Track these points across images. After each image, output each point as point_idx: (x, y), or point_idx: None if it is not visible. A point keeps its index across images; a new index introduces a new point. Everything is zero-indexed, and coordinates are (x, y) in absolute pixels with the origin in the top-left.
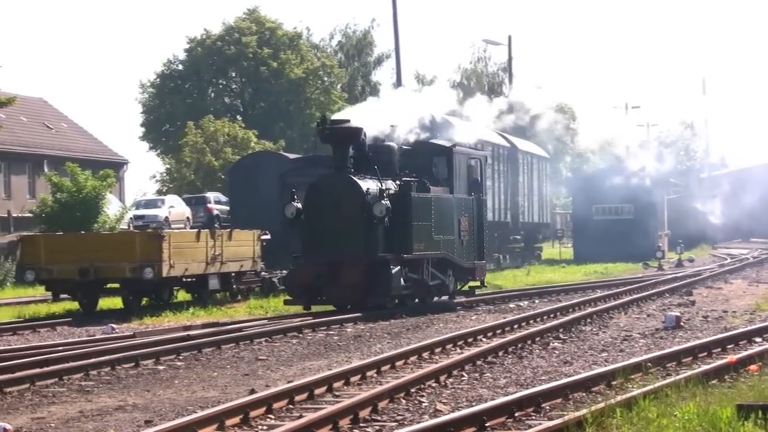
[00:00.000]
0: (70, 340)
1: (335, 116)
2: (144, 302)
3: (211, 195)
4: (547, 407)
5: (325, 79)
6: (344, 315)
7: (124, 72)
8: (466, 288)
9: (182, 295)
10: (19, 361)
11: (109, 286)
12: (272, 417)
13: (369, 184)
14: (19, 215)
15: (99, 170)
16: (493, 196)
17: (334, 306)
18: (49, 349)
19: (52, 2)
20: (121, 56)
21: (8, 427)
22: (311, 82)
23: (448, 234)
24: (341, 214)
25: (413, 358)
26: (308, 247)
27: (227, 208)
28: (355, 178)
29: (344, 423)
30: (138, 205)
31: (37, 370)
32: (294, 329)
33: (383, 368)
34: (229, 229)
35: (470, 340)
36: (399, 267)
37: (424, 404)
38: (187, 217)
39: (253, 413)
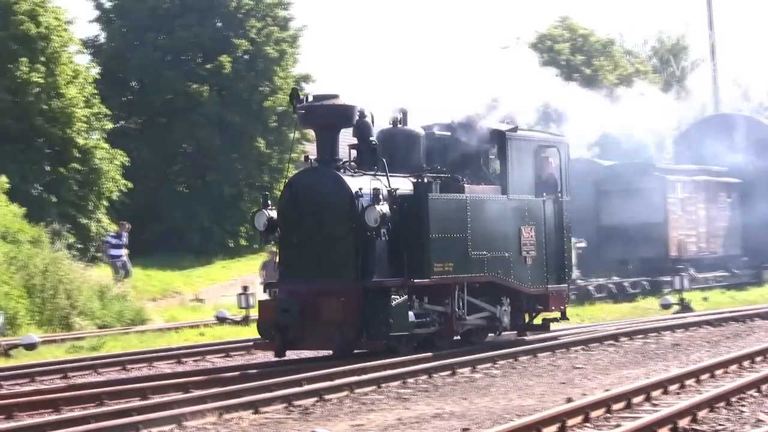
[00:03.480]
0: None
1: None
2: None
3: None
4: None
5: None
6: (661, 323)
7: None
8: (538, 321)
9: None
10: (338, 369)
11: None
12: (589, 426)
13: (362, 183)
14: None
15: None
16: None
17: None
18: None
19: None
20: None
21: None
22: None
23: (498, 250)
24: (323, 224)
25: (733, 367)
26: (284, 271)
27: None
28: (341, 175)
29: None
30: None
31: (356, 378)
32: (610, 337)
33: (702, 377)
34: None
35: None
36: (406, 297)
37: (745, 414)
38: None
39: (569, 422)
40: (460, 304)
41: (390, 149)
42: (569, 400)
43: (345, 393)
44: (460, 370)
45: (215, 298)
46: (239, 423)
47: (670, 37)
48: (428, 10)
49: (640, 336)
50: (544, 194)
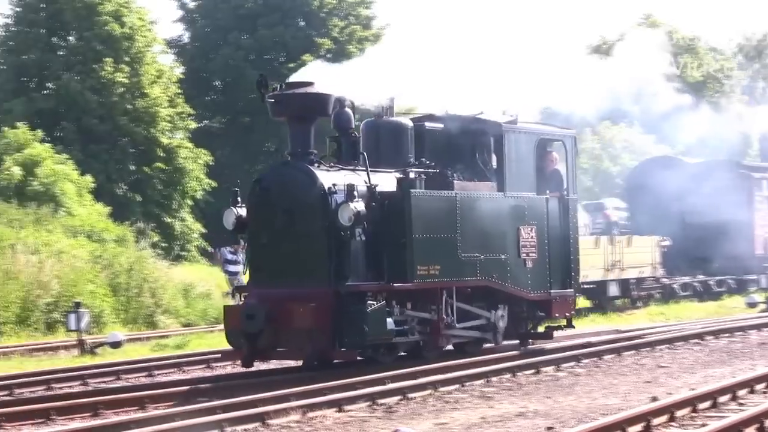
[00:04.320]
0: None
1: (294, 77)
2: None
3: (609, 201)
4: None
5: (724, 82)
6: (747, 321)
7: None
8: (542, 328)
9: (582, 302)
10: (421, 367)
11: None
12: (675, 425)
13: (336, 178)
14: None
15: None
16: None
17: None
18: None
19: None
20: None
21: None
22: (709, 86)
23: (492, 252)
24: (294, 223)
25: None
26: (253, 274)
27: (626, 214)
28: (313, 169)
29: None
30: None
31: (440, 377)
32: (695, 336)
33: None
34: (627, 236)
35: None
36: (383, 302)
37: None
38: (585, 224)
39: (655, 421)
40: (449, 310)
41: (375, 142)
42: (654, 399)
43: (428, 391)
44: (544, 369)
45: None
46: (323, 421)
47: (755, 33)
48: (509, 9)
49: (726, 335)
50: (548, 192)
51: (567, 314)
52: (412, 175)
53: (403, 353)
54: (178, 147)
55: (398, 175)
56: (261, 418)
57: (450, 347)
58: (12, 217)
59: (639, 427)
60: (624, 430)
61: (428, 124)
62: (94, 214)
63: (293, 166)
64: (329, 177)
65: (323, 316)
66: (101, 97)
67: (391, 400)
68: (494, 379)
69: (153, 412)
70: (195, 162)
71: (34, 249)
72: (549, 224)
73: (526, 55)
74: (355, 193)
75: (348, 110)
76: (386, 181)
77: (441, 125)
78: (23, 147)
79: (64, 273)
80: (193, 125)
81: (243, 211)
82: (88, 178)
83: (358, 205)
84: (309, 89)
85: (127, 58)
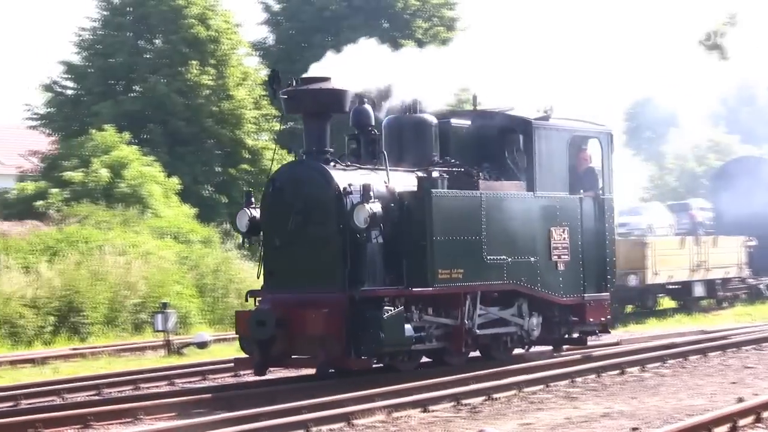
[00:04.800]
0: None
1: (313, 71)
2: (628, 309)
3: (694, 201)
4: None
5: None
6: None
7: None
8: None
9: (666, 303)
10: (506, 368)
11: None
12: (761, 426)
13: (352, 178)
14: None
15: None
16: None
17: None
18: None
19: None
20: None
21: None
22: None
23: (521, 254)
24: (308, 224)
25: None
26: (266, 278)
27: (711, 214)
28: (328, 169)
29: None
30: (621, 212)
31: (525, 377)
32: None
33: None
34: (713, 236)
35: None
36: (401, 308)
37: None
38: (670, 224)
39: (741, 422)
40: (471, 314)
41: (397, 140)
42: (740, 400)
43: (513, 392)
44: (629, 369)
45: None
46: (408, 421)
47: None
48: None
49: None
50: (582, 191)
51: (602, 319)
52: (434, 174)
53: (428, 359)
54: (263, 149)
55: (420, 174)
56: (346, 418)
57: (476, 353)
58: (100, 219)
59: (725, 428)
60: (710, 431)
61: (454, 121)
62: (180, 215)
63: (307, 165)
64: (345, 176)
65: (336, 323)
66: (187, 100)
67: (476, 401)
68: (579, 379)
69: (239, 411)
70: (280, 163)
71: (122, 250)
72: (583, 225)
73: (616, 51)
74: (371, 193)
75: (367, 107)
76: (407, 180)
77: (467, 122)
78: (111, 149)
79: (151, 274)
80: (278, 127)
81: (257, 213)
82: (175, 179)
83: (375, 206)
84: (324, 84)
85: (212, 61)
